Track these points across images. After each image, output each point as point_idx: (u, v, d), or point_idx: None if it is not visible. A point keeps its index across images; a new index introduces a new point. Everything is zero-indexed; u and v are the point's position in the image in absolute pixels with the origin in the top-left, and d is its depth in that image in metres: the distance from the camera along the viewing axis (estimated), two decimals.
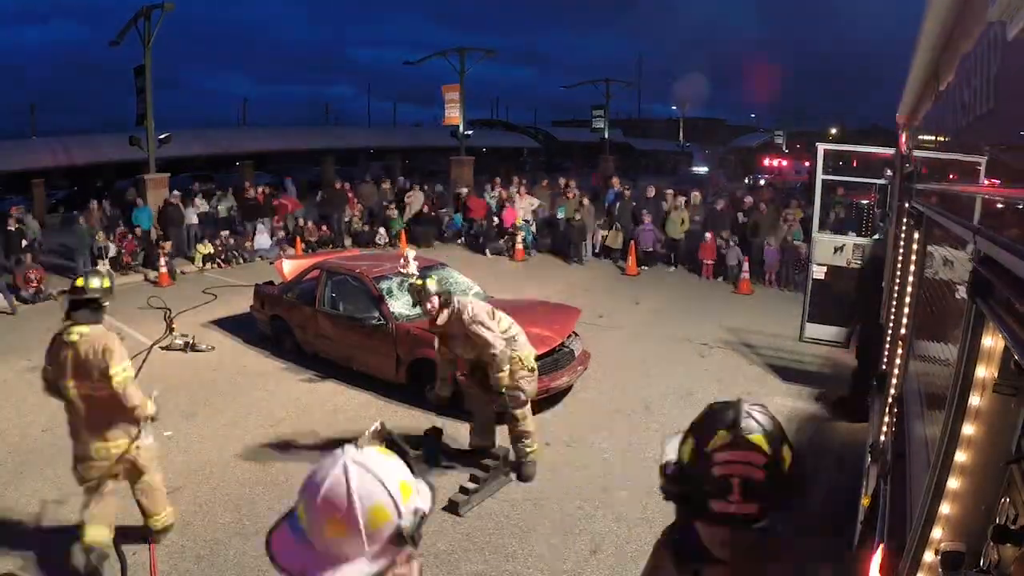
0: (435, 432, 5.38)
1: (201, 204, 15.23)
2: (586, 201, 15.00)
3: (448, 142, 21.65)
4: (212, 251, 13.78)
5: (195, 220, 14.42)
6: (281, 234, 15.04)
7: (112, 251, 12.69)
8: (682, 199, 13.82)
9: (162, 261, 12.55)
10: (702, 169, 31.37)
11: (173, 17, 13.73)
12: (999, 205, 1.63)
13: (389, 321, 6.80)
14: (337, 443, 4.88)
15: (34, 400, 6.74)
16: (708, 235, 12.79)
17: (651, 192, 14.79)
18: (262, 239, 14.76)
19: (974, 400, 1.75)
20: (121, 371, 3.82)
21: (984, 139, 1.79)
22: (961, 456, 1.78)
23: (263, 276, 9.64)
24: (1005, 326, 1.39)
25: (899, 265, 4.75)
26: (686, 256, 13.41)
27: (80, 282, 3.96)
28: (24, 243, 11.79)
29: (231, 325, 9.27)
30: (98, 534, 4.03)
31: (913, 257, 3.97)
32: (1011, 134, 1.49)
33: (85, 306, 3.93)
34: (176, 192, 14.60)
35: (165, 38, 13.98)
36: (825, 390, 6.93)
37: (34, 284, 10.91)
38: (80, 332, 3.85)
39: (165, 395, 6.78)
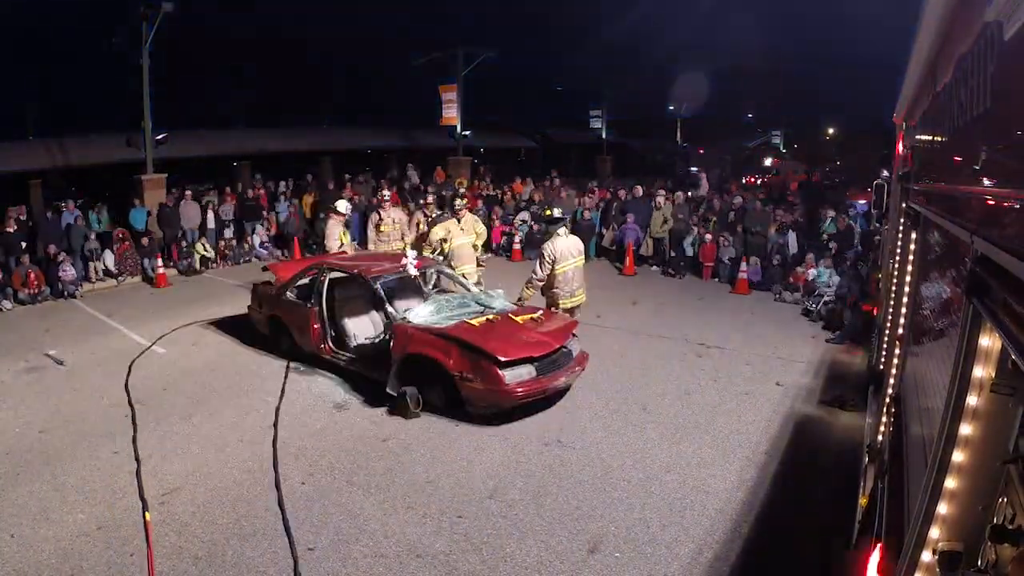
0: None
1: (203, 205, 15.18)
2: (587, 200, 15.03)
3: (447, 142, 21.69)
4: (210, 252, 13.80)
5: (211, 224, 14.35)
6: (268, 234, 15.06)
7: (110, 258, 12.54)
8: (660, 198, 13.74)
9: (159, 262, 12.54)
10: (695, 169, 31.44)
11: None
12: (996, 205, 1.63)
13: (389, 320, 6.80)
14: (338, 443, 4.93)
15: (32, 401, 6.75)
16: (708, 236, 12.80)
17: (639, 191, 14.81)
18: (259, 240, 14.77)
19: (971, 400, 1.75)
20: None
21: (981, 139, 1.80)
22: (958, 456, 1.78)
23: (261, 276, 9.61)
24: (1002, 326, 1.39)
25: (897, 265, 4.76)
26: (672, 257, 13.37)
27: (548, 212, 7.83)
28: (24, 244, 11.74)
29: (229, 326, 9.26)
30: None
31: (911, 257, 3.97)
32: (1008, 134, 1.49)
33: (554, 223, 7.57)
34: (187, 191, 14.59)
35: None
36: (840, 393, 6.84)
37: (34, 285, 10.88)
38: (563, 232, 7.39)
39: (163, 396, 6.83)
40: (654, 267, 13.45)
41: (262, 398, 6.76)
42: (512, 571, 4.09)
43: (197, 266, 13.43)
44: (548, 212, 8.23)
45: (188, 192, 14.62)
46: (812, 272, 10.84)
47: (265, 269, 9.62)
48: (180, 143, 15.98)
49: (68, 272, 11.43)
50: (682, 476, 5.22)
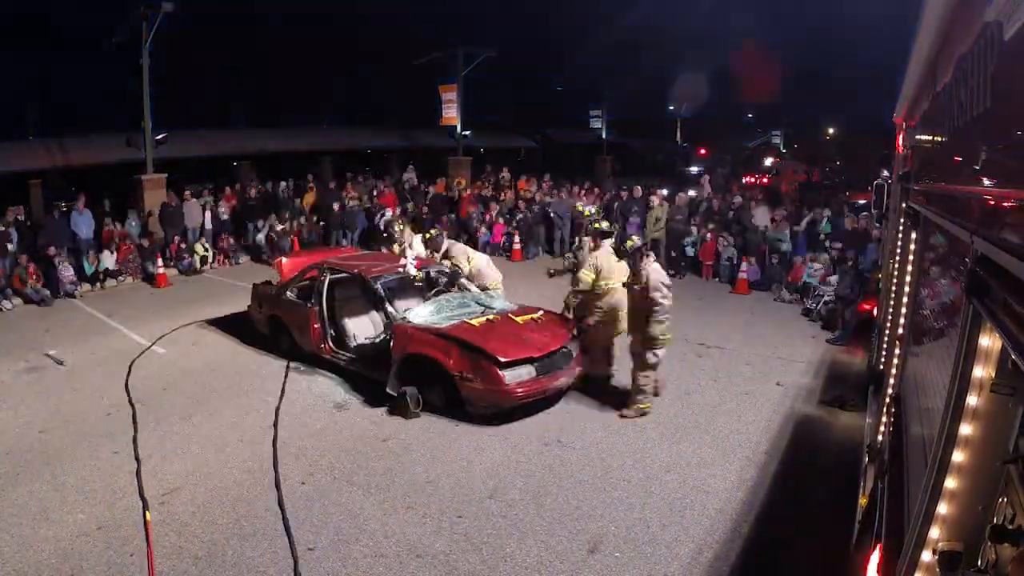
0: None
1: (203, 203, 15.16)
2: (586, 200, 15.03)
3: (447, 142, 21.70)
4: (210, 252, 13.80)
5: (210, 225, 14.33)
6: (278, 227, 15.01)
7: (109, 260, 12.47)
8: (655, 199, 13.73)
9: (159, 262, 12.52)
10: (695, 168, 31.42)
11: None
12: (996, 205, 1.63)
13: (390, 320, 6.80)
14: (338, 443, 4.94)
15: (32, 401, 6.75)
16: (709, 236, 12.79)
17: (638, 192, 14.80)
18: (261, 239, 14.75)
19: (971, 400, 1.75)
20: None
21: (981, 139, 1.80)
22: (958, 456, 1.78)
23: (261, 276, 9.62)
24: (1002, 326, 1.39)
25: (897, 265, 4.76)
26: (672, 257, 13.33)
27: (597, 225, 7.04)
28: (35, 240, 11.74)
29: (229, 326, 9.26)
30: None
31: (911, 257, 3.97)
32: (1008, 134, 1.49)
33: (605, 236, 6.96)
34: (187, 191, 14.57)
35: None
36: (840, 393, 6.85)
37: (34, 280, 10.86)
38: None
39: (163, 396, 6.83)
40: None
41: (262, 398, 6.76)
42: (512, 571, 4.09)
43: (197, 266, 13.43)
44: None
45: (188, 192, 14.61)
46: (809, 269, 10.86)
47: (271, 264, 9.59)
48: (180, 143, 15.98)
49: (67, 272, 11.41)
50: (682, 476, 5.23)
